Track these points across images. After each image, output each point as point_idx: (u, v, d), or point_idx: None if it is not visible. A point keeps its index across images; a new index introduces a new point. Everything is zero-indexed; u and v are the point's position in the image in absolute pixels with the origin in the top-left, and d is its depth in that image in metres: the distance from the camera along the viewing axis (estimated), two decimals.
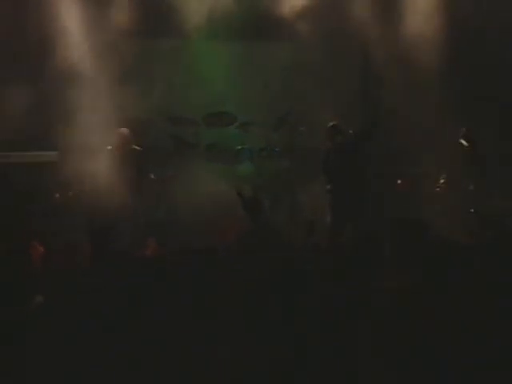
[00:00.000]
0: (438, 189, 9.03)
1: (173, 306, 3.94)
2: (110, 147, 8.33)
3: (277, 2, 9.43)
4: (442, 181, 8.99)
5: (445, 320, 3.77)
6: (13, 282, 4.37)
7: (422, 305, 3.87)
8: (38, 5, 8.53)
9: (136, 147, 8.44)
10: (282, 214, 8.76)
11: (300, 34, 9.46)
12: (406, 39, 9.31)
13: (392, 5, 9.54)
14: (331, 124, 8.39)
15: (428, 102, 9.06)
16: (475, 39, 9.16)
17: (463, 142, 8.86)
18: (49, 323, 3.86)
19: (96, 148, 8.17)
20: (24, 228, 7.40)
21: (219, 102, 9.41)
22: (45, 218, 7.92)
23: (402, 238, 4.99)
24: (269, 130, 9.36)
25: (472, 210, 8.52)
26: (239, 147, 9.44)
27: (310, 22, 9.36)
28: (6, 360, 3.58)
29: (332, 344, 3.67)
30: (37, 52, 8.66)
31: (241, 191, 6.82)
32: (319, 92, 9.27)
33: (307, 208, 8.88)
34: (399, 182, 9.25)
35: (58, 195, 8.39)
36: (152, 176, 8.68)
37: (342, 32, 9.57)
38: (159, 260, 5.31)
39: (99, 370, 3.55)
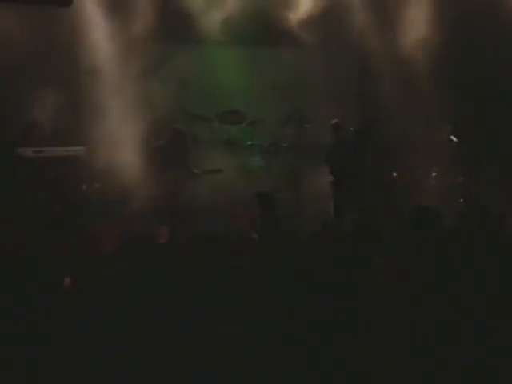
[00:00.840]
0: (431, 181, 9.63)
1: None
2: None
3: (285, 13, 9.99)
4: (434, 174, 9.62)
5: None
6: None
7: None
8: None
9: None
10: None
11: (304, 40, 9.93)
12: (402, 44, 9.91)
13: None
14: (333, 121, 8.94)
15: (421, 102, 9.69)
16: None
17: (453, 138, 9.49)
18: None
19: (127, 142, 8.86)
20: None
21: (232, 102, 10.01)
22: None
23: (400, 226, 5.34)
24: (276, 127, 9.94)
25: (462, 200, 9.17)
26: (249, 143, 10.00)
27: (314, 30, 9.86)
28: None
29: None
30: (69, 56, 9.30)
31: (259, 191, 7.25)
32: (322, 93, 9.89)
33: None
34: (395, 175, 9.71)
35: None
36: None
37: (343, 38, 10.18)
38: None
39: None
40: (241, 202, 8.79)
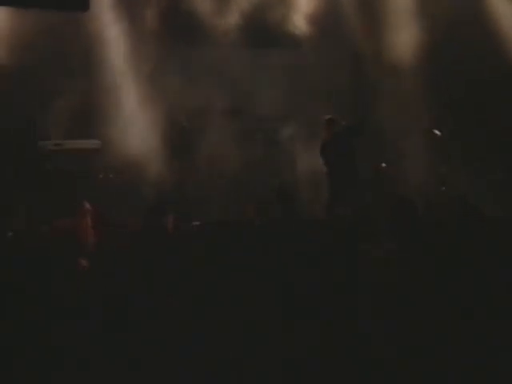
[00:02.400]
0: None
1: None
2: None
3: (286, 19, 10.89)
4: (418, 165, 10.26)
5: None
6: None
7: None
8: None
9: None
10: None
11: (304, 43, 10.86)
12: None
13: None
14: (328, 117, 9.49)
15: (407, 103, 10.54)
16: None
17: (436, 131, 10.33)
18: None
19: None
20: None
21: (237, 99, 10.75)
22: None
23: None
24: (278, 123, 10.75)
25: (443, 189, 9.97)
26: (253, 137, 10.76)
27: (313, 35, 10.81)
28: None
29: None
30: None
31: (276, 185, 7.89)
32: (319, 92, 10.69)
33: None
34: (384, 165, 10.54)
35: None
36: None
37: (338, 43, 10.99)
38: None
39: None
40: (247, 191, 9.65)
